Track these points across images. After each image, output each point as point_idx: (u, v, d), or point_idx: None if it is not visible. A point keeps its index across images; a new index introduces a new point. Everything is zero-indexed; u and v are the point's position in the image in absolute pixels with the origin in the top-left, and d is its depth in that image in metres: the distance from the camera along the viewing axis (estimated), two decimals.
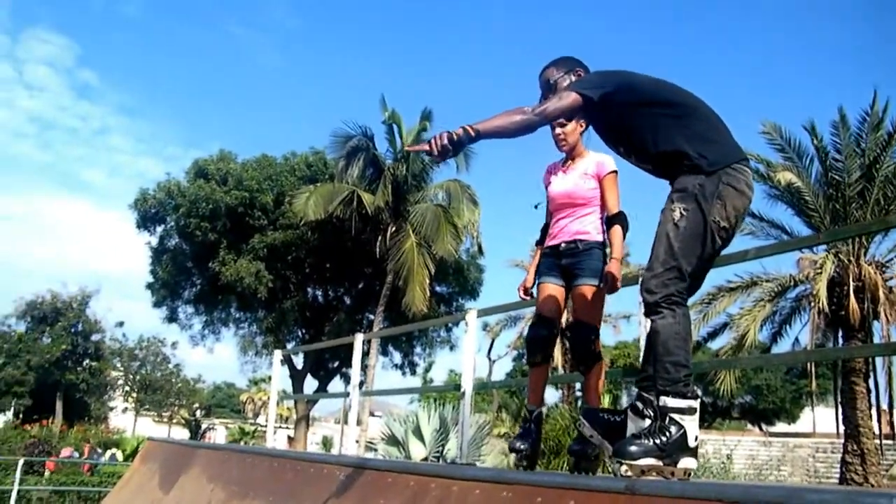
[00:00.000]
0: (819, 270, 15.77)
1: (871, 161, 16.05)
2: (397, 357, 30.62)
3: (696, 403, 2.71)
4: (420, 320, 21.86)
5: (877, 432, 17.86)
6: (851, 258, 16.17)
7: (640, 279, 2.82)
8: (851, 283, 15.94)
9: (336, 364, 29.63)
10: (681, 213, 2.78)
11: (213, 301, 27.98)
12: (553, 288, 3.89)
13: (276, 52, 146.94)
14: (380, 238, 23.77)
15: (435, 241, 22.72)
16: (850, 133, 16.34)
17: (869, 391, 16.76)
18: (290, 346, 28.65)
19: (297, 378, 28.39)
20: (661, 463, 2.61)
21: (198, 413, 56.11)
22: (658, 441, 2.63)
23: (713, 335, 18.61)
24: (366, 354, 27.16)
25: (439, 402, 11.18)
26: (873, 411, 17.20)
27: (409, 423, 11.00)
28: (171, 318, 28.79)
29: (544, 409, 4.03)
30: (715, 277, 17.97)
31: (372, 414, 30.06)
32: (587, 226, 3.82)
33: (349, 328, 27.38)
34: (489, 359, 40.31)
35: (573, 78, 3.21)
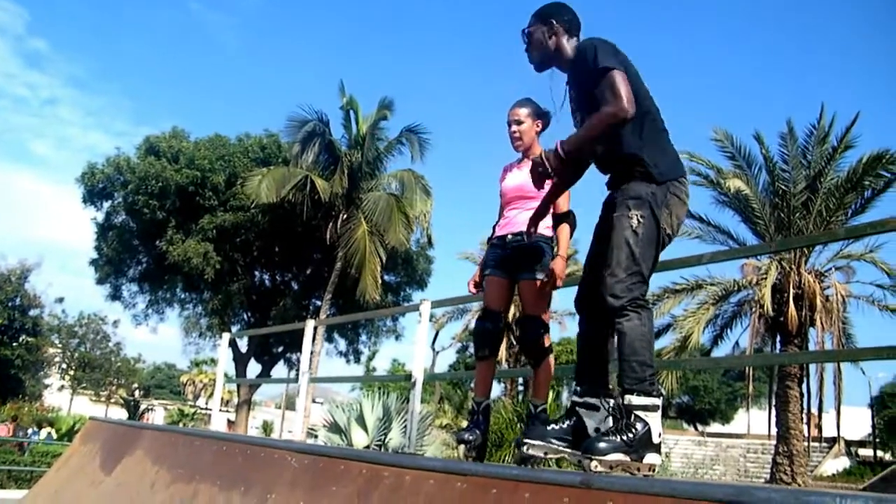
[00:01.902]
0: (764, 277, 16.21)
1: (815, 173, 16.52)
2: (342, 344, 30.51)
3: (659, 401, 2.80)
4: (371, 308, 21.81)
5: (806, 435, 18.47)
6: (793, 266, 16.65)
7: (604, 284, 2.86)
8: (792, 290, 16.43)
9: (280, 349, 29.40)
10: (638, 219, 2.85)
11: (158, 280, 27.44)
12: (500, 281, 3.90)
13: (234, 31, 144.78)
14: (331, 224, 23.61)
15: (387, 230, 22.66)
16: (797, 145, 16.82)
17: (801, 395, 17.32)
18: (234, 329, 28.34)
19: (240, 361, 28.07)
20: (628, 458, 2.69)
21: (136, 393, 55.11)
22: (625, 437, 2.70)
23: (657, 335, 18.97)
24: (312, 340, 27.02)
25: (383, 392, 11.14)
26: (804, 415, 17.79)
27: (352, 410, 10.94)
28: (115, 295, 28.14)
29: (490, 401, 4.05)
30: (660, 279, 18.33)
31: (314, 401, 29.88)
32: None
33: (295, 314, 27.18)
34: (433, 350, 40.50)
35: (545, 30, 3.20)
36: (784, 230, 16.90)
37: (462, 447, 3.86)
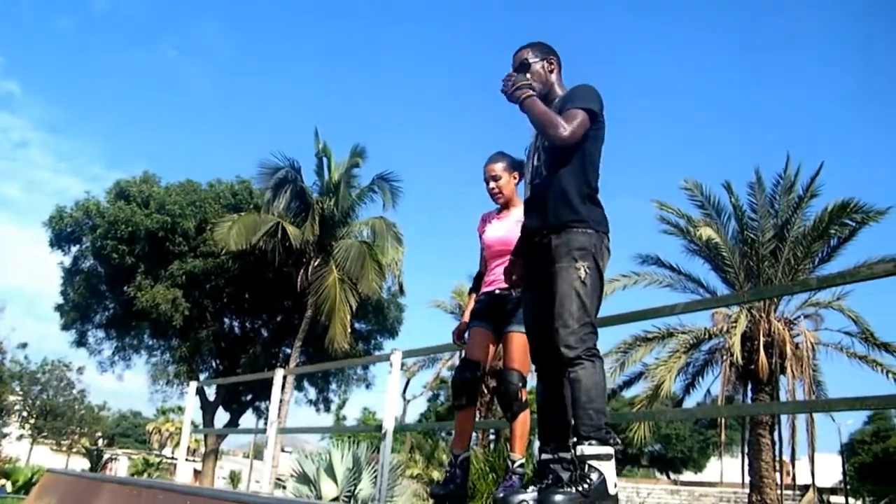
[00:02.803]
0: (734, 325, 16.33)
1: (783, 222, 16.79)
2: (312, 393, 30.00)
3: (612, 450, 2.77)
4: (341, 357, 21.59)
5: (779, 482, 18.42)
6: (763, 314, 16.80)
7: (557, 336, 2.85)
8: (762, 338, 16.54)
9: (249, 397, 28.87)
10: (585, 270, 2.88)
11: (125, 326, 26.82)
12: (482, 332, 3.90)
13: (207, 78, 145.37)
14: (302, 271, 23.44)
15: (359, 278, 22.56)
16: (765, 194, 17.12)
17: (773, 443, 17.33)
18: (203, 376, 27.77)
19: (208, 410, 27.46)
20: None
21: (100, 442, 53.72)
22: (580, 489, 2.66)
23: (629, 383, 18.97)
24: (281, 389, 26.59)
25: (353, 441, 10.94)
26: (776, 463, 17.77)
27: (321, 460, 10.72)
28: (80, 341, 27.42)
29: (470, 454, 3.98)
30: (632, 328, 18.34)
31: (283, 450, 29.35)
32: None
33: (265, 361, 26.77)
34: (404, 398, 40.05)
35: (546, 65, 3.26)
36: (753, 278, 17.10)
37: (431, 501, 3.79)
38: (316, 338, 24.01)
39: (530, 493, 3.03)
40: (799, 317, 17.83)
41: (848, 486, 43.07)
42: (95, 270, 25.96)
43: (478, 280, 4.18)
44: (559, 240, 2.96)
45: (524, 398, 3.78)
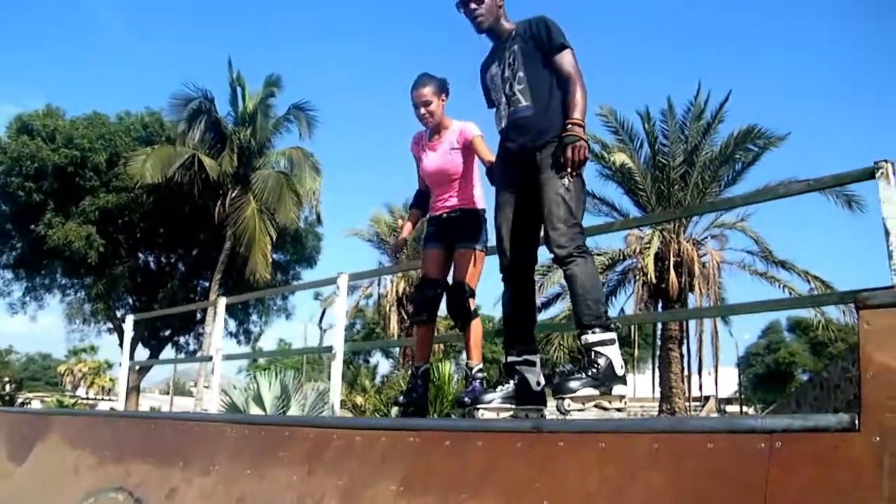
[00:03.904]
0: (647, 246, 17.10)
1: (692, 147, 17.52)
2: (232, 325, 29.84)
3: (615, 335, 3.05)
4: (263, 288, 21.58)
5: (687, 394, 19.67)
6: (673, 235, 17.65)
7: (549, 239, 3.12)
8: (672, 258, 17.42)
9: (168, 332, 28.56)
10: (569, 178, 3.13)
11: (35, 266, 25.88)
12: (436, 253, 4.14)
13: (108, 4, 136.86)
14: (219, 203, 23.09)
15: (277, 208, 22.48)
16: (676, 121, 17.76)
17: (682, 356, 18.45)
18: (119, 313, 27.21)
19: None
20: (597, 392, 2.90)
21: (8, 387, 52.07)
22: (590, 373, 2.92)
23: (547, 304, 19.65)
24: (201, 322, 26.37)
25: (276, 371, 11.15)
26: (684, 376, 18.96)
27: (249, 390, 10.91)
28: None
29: (429, 366, 4.26)
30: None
31: (205, 386, 29.22)
32: (466, 196, 4.11)
33: (183, 295, 26.44)
34: (320, 328, 40.39)
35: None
36: (664, 201, 17.87)
37: (395, 409, 4.06)
38: (235, 270, 23.88)
39: (498, 393, 3.33)
40: (706, 237, 18.84)
41: (742, 396, 46.05)
42: (0, 209, 24.88)
43: (418, 198, 4.39)
44: (542, 154, 3.20)
45: (472, 307, 4.05)
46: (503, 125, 3.45)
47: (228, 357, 9.65)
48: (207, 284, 25.52)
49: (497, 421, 3.15)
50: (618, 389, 2.98)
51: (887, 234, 2.98)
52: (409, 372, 4.27)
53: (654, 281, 17.31)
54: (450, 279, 4.19)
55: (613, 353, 3.01)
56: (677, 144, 17.78)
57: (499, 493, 2.48)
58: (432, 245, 4.16)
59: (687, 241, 17.94)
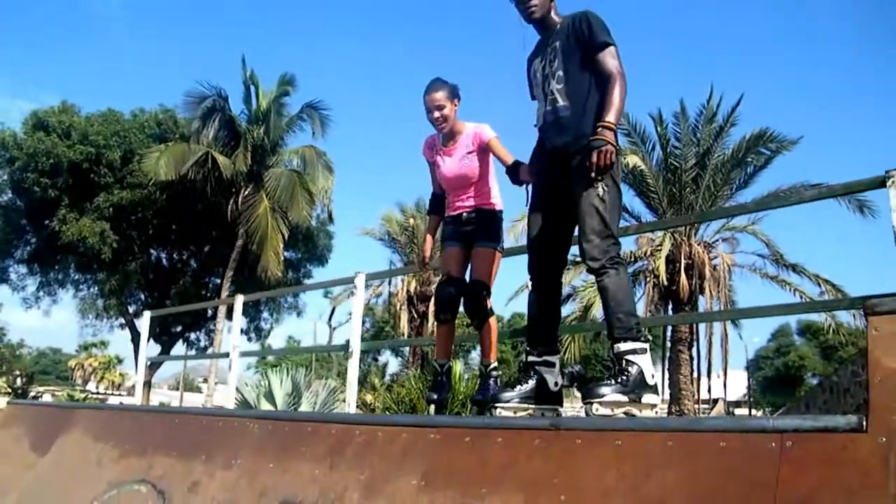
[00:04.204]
0: (658, 248, 17.14)
1: (704, 150, 17.54)
2: (243, 322, 30.03)
3: (646, 345, 3.10)
4: (275, 285, 21.74)
5: (696, 396, 19.68)
6: (684, 238, 17.68)
7: (582, 251, 3.14)
8: (683, 260, 17.46)
9: (179, 328, 28.77)
10: (603, 188, 3.12)
11: (49, 261, 26.15)
12: (456, 252, 4.24)
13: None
14: (232, 201, 23.28)
15: (290, 206, 22.65)
16: (688, 124, 17.79)
17: (692, 359, 18.47)
18: (132, 309, 27.47)
19: (138, 342, 27.22)
20: (626, 398, 2.97)
21: (19, 381, 52.42)
22: (621, 380, 2.99)
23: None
24: (212, 318, 26.56)
25: (289, 368, 11.24)
26: (694, 377, 18.98)
27: (260, 387, 11.01)
28: (2, 278, 26.65)
29: (451, 363, 4.36)
30: None
31: (216, 382, 29.42)
32: (483, 197, 4.20)
33: (195, 292, 26.66)
34: (330, 326, 40.55)
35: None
36: (675, 204, 17.91)
37: (432, 406, 4.19)
38: (247, 267, 24.05)
39: (516, 392, 3.40)
40: (717, 240, 18.85)
41: (751, 399, 45.92)
42: (14, 204, 25.13)
43: (434, 202, 4.45)
44: (576, 159, 3.19)
45: (489, 306, 4.15)
46: (541, 123, 3.47)
47: (245, 354, 9.77)
48: (219, 281, 25.73)
49: (516, 418, 3.23)
50: (648, 398, 3.04)
51: None
52: (433, 370, 4.37)
53: (665, 283, 17.35)
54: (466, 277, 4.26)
55: (645, 363, 3.05)
56: (689, 147, 17.80)
57: (517, 488, 2.55)
58: (452, 243, 4.26)
59: (698, 244, 17.98)
